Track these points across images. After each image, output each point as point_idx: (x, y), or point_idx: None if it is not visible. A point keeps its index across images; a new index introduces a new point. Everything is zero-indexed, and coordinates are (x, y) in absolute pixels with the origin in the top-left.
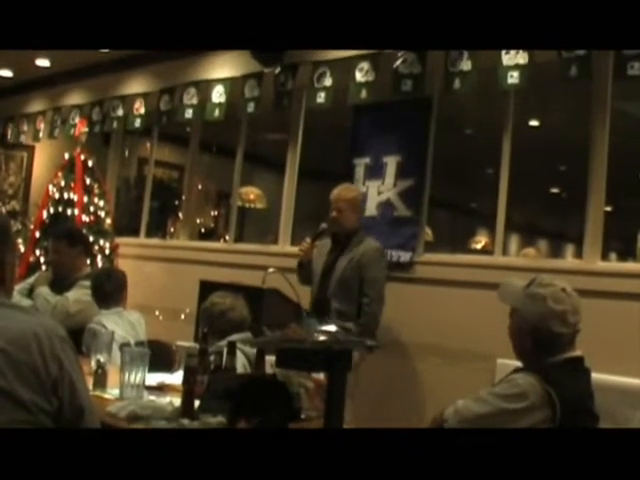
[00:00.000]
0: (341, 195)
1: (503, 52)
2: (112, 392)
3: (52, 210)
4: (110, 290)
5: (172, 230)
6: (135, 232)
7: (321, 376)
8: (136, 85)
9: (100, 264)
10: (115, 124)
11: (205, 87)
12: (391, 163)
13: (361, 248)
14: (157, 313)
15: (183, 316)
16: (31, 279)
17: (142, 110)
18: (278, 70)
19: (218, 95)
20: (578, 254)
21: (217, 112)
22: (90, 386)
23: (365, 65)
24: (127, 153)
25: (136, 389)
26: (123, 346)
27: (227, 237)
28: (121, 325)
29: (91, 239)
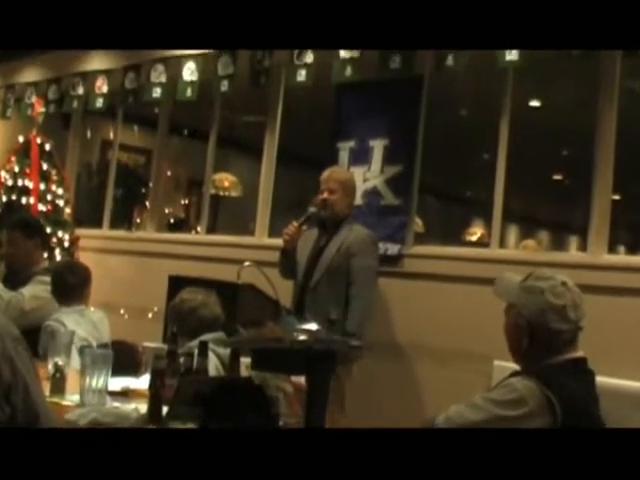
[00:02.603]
0: (333, 175)
1: None
2: (71, 398)
3: (5, 198)
4: (72, 285)
5: (138, 221)
6: (97, 223)
7: (301, 379)
8: (98, 61)
9: (59, 258)
10: (75, 104)
11: (175, 64)
12: (378, 147)
13: (351, 236)
14: (122, 311)
15: (150, 314)
16: None
17: (105, 89)
18: None
19: (189, 73)
20: (582, 247)
21: (188, 91)
22: (47, 392)
23: None
24: (89, 136)
25: (98, 395)
26: (84, 348)
27: (199, 228)
28: (82, 325)
29: (48, 230)
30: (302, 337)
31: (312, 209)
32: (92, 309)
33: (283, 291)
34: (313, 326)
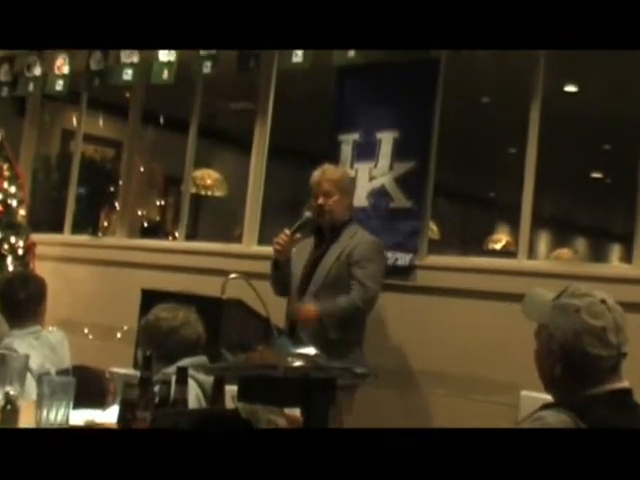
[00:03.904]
0: (326, 175)
1: None
2: None
3: None
4: (26, 302)
5: (106, 224)
6: (57, 227)
7: (296, 412)
8: None
9: (11, 268)
10: (31, 86)
11: None
12: (386, 140)
13: (353, 242)
14: (86, 331)
15: (119, 335)
16: None
17: (66, 69)
18: None
19: (166, 52)
20: (626, 257)
21: (165, 74)
22: None
23: None
24: (47, 124)
25: None
26: (42, 376)
27: (177, 234)
28: (38, 349)
29: None
30: (297, 363)
31: (307, 214)
32: (50, 329)
33: (275, 308)
34: (310, 350)
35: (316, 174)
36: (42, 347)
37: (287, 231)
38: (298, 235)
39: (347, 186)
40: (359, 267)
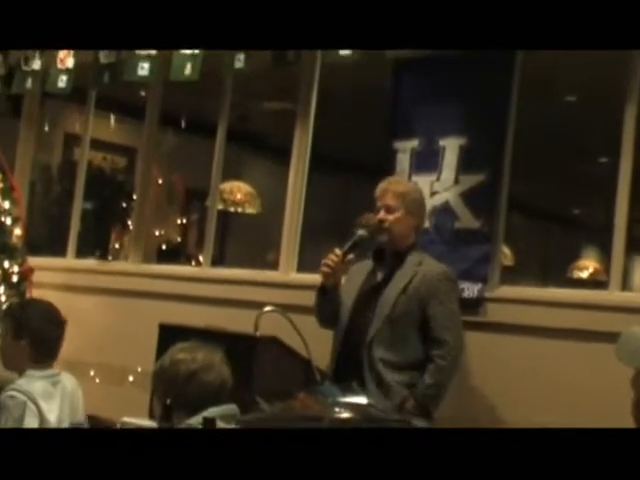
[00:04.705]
0: (391, 187)
1: None
2: None
3: None
4: (47, 337)
5: (117, 247)
6: (59, 249)
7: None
8: None
9: (3, 298)
10: (29, 83)
11: None
12: (451, 148)
13: (421, 272)
14: (92, 373)
15: (132, 378)
16: None
17: (70, 63)
18: None
19: None
20: None
21: (188, 68)
22: None
23: None
24: (47, 127)
25: None
26: None
27: (201, 258)
28: (57, 398)
29: None
30: (345, 414)
31: (361, 232)
32: (63, 373)
33: (318, 346)
34: (361, 399)
35: (382, 184)
36: (59, 396)
37: (338, 251)
38: (351, 256)
39: (415, 202)
40: (434, 305)
